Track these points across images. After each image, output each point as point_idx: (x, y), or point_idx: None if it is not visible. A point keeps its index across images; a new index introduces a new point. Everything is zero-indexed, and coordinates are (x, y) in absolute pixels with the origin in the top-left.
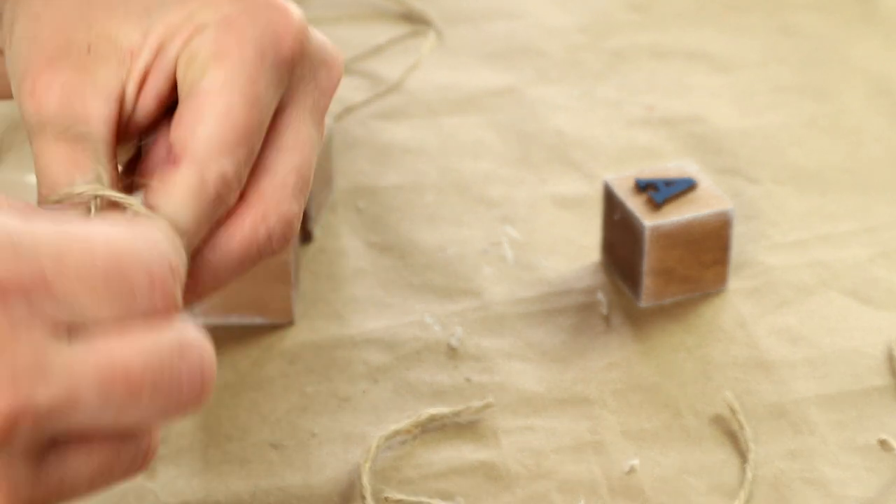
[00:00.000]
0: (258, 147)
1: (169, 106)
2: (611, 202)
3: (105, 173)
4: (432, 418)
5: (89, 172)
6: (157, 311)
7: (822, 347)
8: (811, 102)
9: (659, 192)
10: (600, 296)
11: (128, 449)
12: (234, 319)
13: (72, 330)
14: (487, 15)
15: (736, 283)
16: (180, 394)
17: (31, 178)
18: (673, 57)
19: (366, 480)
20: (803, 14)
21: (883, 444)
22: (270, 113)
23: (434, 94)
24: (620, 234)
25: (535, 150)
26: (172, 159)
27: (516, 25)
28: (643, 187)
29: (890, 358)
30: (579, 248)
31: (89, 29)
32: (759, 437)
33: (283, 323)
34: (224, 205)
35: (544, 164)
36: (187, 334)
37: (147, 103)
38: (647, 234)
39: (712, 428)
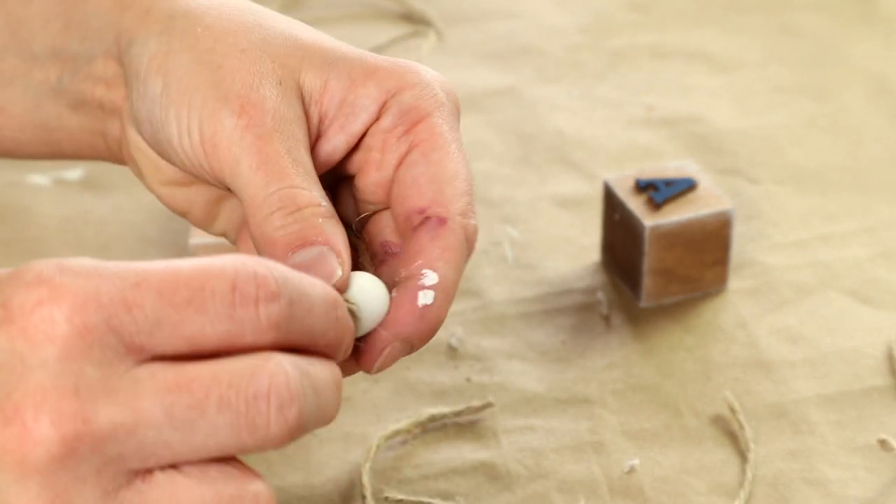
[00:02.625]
0: None
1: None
2: (611, 202)
3: (321, 189)
4: (432, 418)
5: (316, 190)
6: (239, 319)
7: (822, 347)
8: (811, 102)
9: (659, 192)
10: (600, 296)
11: (227, 487)
12: None
13: (151, 349)
14: (487, 15)
15: (736, 283)
16: (250, 419)
17: (32, 178)
18: (673, 57)
19: (366, 480)
20: (803, 14)
21: (883, 444)
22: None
23: None
24: (620, 234)
25: (535, 150)
26: (437, 221)
27: (516, 25)
28: (643, 187)
29: (890, 358)
30: (579, 248)
31: (273, 62)
32: (759, 437)
33: None
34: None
35: (544, 164)
36: (262, 367)
37: (324, 157)
38: (647, 234)
39: (712, 428)
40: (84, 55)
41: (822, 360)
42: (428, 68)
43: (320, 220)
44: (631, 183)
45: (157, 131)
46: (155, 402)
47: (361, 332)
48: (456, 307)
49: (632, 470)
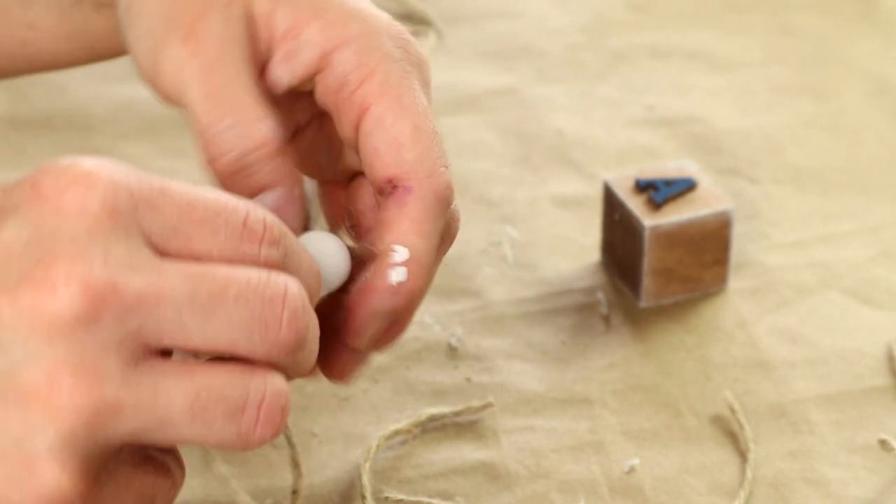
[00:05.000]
0: (443, 143)
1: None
2: (611, 202)
3: (271, 116)
4: (432, 418)
5: (264, 120)
6: (242, 252)
7: (822, 347)
8: (811, 102)
9: (659, 192)
10: (600, 296)
11: (233, 384)
12: None
13: (165, 251)
14: (487, 15)
15: (736, 283)
16: (264, 317)
17: None
18: (673, 57)
19: (366, 480)
20: (803, 14)
21: (883, 444)
22: (431, 108)
23: (434, 93)
24: (620, 234)
25: (535, 150)
26: (402, 190)
27: (516, 25)
28: (643, 187)
29: (890, 358)
30: (579, 248)
31: None
32: (759, 437)
33: None
34: (449, 209)
35: (544, 164)
36: (277, 278)
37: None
38: (647, 234)
39: (712, 428)
40: None
41: (822, 360)
42: (380, 12)
43: (270, 164)
44: (631, 183)
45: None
46: (179, 281)
47: (323, 292)
48: (456, 307)
49: (632, 470)
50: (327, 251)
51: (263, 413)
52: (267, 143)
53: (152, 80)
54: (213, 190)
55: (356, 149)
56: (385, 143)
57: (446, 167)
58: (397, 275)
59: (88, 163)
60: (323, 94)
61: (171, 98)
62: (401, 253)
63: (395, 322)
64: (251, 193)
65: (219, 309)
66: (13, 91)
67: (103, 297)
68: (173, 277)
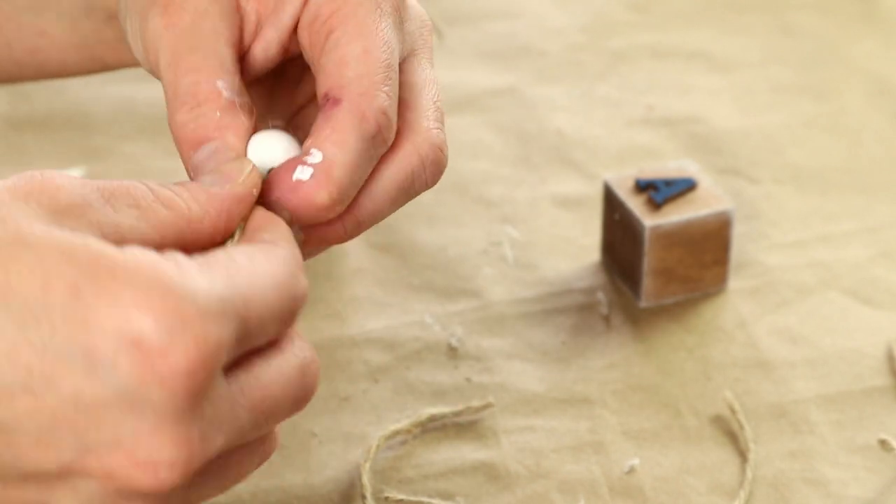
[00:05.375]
0: (397, 79)
1: (277, 62)
2: (611, 202)
3: (235, 80)
4: (432, 418)
5: (223, 79)
6: (287, 332)
7: (822, 347)
8: (811, 102)
9: (659, 192)
10: (600, 296)
11: (262, 448)
12: None
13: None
14: (487, 15)
15: (736, 283)
16: (297, 406)
17: None
18: (673, 57)
19: (366, 480)
20: (803, 14)
21: (883, 444)
22: (398, 58)
23: None
24: (620, 234)
25: (535, 150)
26: (332, 102)
27: (516, 25)
28: (643, 187)
29: (890, 358)
30: (579, 248)
31: None
32: (759, 437)
33: None
34: (384, 142)
35: (544, 164)
36: (305, 351)
37: (260, 53)
38: (647, 234)
39: (712, 428)
40: None
41: (822, 360)
42: None
43: (218, 113)
44: (631, 183)
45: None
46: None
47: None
48: (456, 307)
49: (632, 470)
50: (279, 147)
51: None
52: (215, 99)
53: (142, 58)
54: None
55: None
56: (333, 61)
57: (388, 95)
58: (300, 172)
59: (196, 320)
60: (301, 36)
61: (154, 71)
62: (313, 155)
63: (317, 230)
64: (198, 144)
65: (270, 424)
66: (13, 91)
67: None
68: (243, 409)
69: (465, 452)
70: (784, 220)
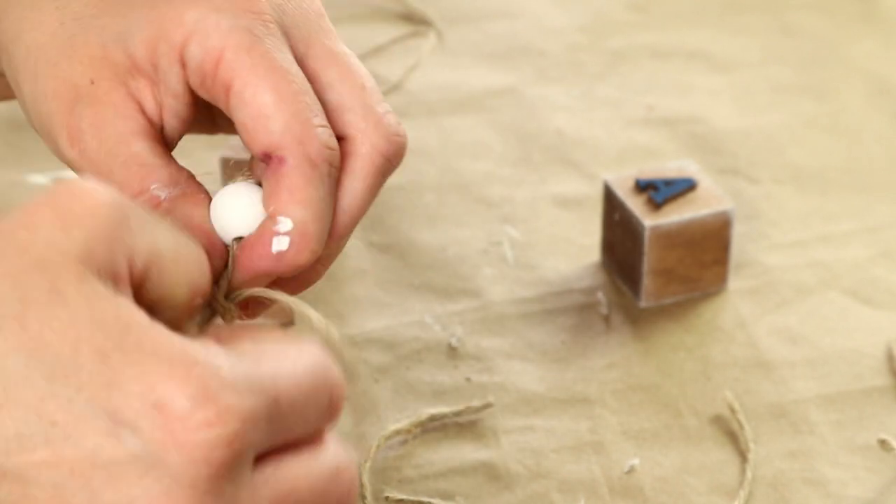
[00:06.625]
0: (316, 99)
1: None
2: (611, 202)
3: (164, 171)
4: (432, 418)
5: (154, 181)
6: (323, 429)
7: (822, 347)
8: (811, 102)
9: (659, 192)
10: (600, 296)
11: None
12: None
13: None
14: (487, 15)
15: (736, 283)
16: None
17: (32, 178)
18: (673, 57)
19: (366, 480)
20: (803, 14)
21: (883, 444)
22: (297, 66)
23: (434, 94)
24: (620, 234)
25: (535, 150)
26: (276, 161)
27: (516, 25)
28: (643, 187)
29: (890, 358)
30: (579, 248)
31: (82, 64)
32: (759, 437)
33: (283, 323)
34: (336, 169)
35: (544, 164)
36: (340, 457)
37: (173, 120)
38: (647, 234)
39: (712, 428)
40: None
41: (822, 360)
42: None
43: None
44: (631, 183)
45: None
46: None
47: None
48: (456, 307)
49: (632, 470)
50: (240, 205)
51: None
52: (157, 205)
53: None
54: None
55: None
56: (250, 117)
57: (321, 126)
58: (279, 244)
59: (220, 392)
60: (201, 93)
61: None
62: (283, 223)
63: (300, 277)
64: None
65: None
66: None
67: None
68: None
69: (465, 452)
70: (784, 220)
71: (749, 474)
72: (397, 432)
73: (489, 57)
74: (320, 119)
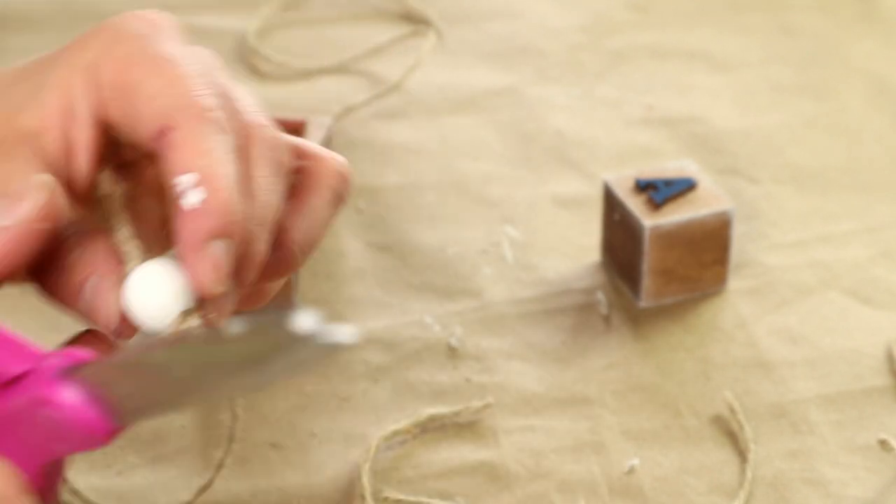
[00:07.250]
0: (207, 79)
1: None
2: (611, 202)
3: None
4: (432, 418)
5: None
6: None
7: (822, 347)
8: (811, 102)
9: (659, 192)
10: (600, 296)
11: None
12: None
13: None
14: (487, 15)
15: (736, 283)
16: None
17: None
18: (673, 57)
19: (366, 480)
20: (803, 14)
21: (883, 444)
22: (187, 51)
23: (434, 94)
24: (620, 234)
25: (535, 150)
26: (167, 131)
27: (516, 25)
28: (643, 187)
29: (890, 358)
30: (579, 248)
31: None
32: (759, 437)
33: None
34: (271, 207)
35: (544, 164)
36: None
37: (78, 162)
38: (647, 234)
39: (712, 428)
40: None
41: (822, 360)
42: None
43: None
44: (631, 183)
45: None
46: None
47: (161, 322)
48: (456, 307)
49: (632, 470)
50: (160, 282)
51: None
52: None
53: None
54: None
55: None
56: (140, 106)
57: (205, 94)
58: (193, 196)
59: None
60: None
61: None
62: (183, 180)
63: (251, 243)
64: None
65: None
66: None
67: None
68: None
69: (465, 452)
70: (784, 220)
71: (749, 474)
72: (397, 432)
73: (489, 57)
74: (206, 90)
